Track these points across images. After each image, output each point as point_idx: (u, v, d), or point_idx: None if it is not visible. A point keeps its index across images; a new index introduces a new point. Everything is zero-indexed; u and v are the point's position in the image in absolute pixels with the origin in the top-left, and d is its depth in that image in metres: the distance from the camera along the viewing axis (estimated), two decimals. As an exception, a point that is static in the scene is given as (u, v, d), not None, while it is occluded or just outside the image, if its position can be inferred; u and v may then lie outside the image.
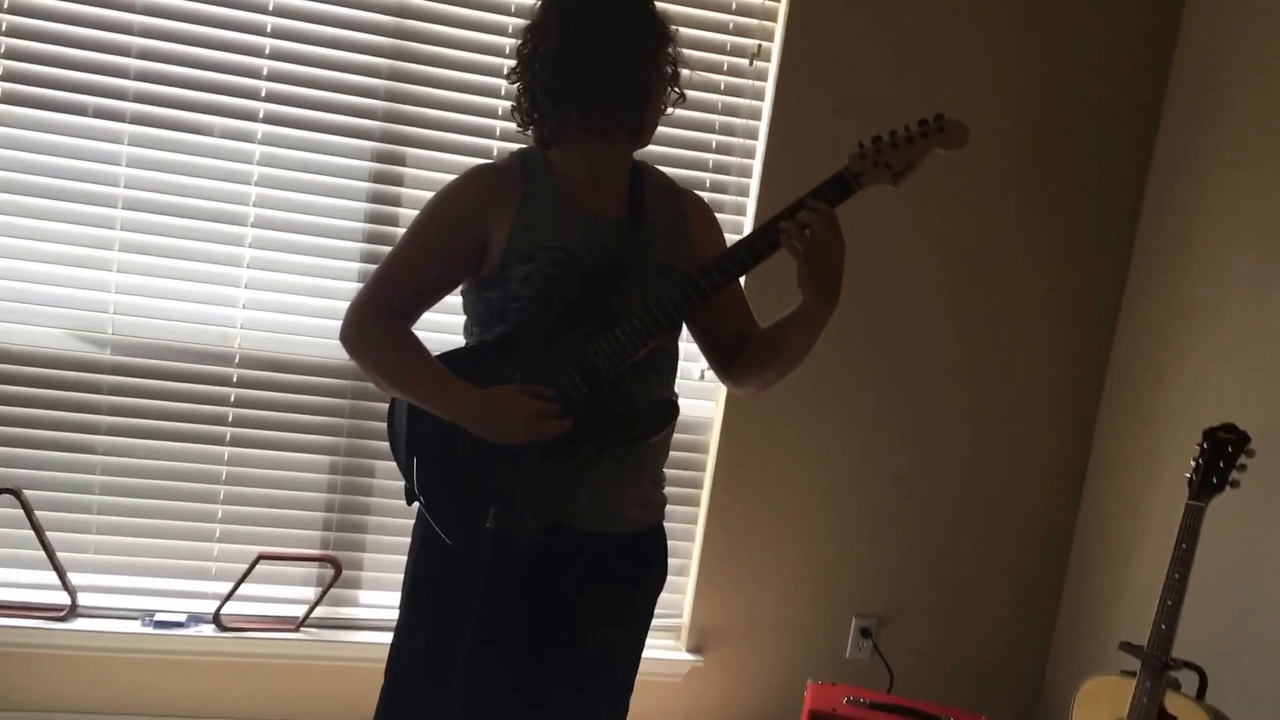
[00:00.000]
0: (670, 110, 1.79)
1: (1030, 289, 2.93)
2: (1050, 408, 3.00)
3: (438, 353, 1.77)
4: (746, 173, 2.77)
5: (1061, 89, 2.86)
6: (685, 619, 2.89)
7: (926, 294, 2.87)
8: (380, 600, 2.73)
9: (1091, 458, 3.03)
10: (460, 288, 1.83)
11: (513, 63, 1.76)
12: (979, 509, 2.99)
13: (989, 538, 3.01)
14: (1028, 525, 3.03)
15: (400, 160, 2.61)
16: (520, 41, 1.74)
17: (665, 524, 1.95)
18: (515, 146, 2.56)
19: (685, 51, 1.79)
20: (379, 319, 1.76)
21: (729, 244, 1.89)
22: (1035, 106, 2.86)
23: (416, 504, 1.84)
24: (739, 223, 2.78)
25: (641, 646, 1.94)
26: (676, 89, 1.77)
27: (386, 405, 2.60)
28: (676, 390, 1.85)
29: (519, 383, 1.69)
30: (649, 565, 1.91)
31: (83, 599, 2.57)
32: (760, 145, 2.75)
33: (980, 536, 3.00)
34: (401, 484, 2.64)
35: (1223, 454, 2.22)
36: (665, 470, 1.93)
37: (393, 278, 1.78)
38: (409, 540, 2.65)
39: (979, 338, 2.92)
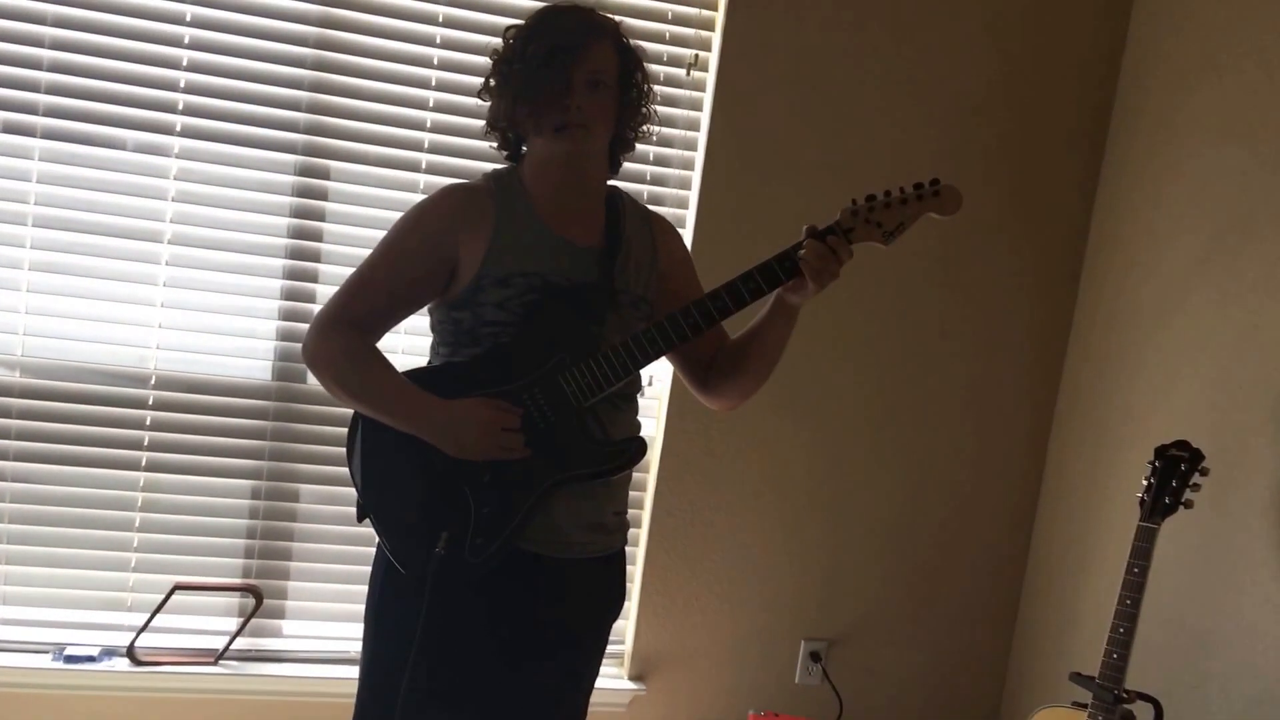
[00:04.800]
0: (647, 130, 1.84)
1: (979, 308, 2.85)
2: (1002, 426, 2.91)
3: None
4: (686, 185, 2.70)
5: (1015, 87, 2.80)
6: (628, 645, 2.78)
7: (874, 312, 2.78)
8: (304, 630, 2.62)
9: (1045, 477, 2.94)
10: (428, 307, 1.82)
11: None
12: (930, 530, 2.89)
13: (941, 560, 2.91)
14: (981, 547, 2.94)
15: (324, 174, 2.53)
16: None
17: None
18: (443, 159, 2.56)
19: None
20: (343, 333, 1.74)
21: (689, 257, 1.94)
22: (985, 109, 2.79)
23: (376, 536, 1.79)
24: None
25: (594, 675, 1.91)
26: (645, 109, 1.81)
27: (314, 427, 2.58)
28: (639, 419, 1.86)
29: (483, 395, 1.68)
30: (597, 591, 1.86)
31: (-10, 632, 2.46)
32: (699, 156, 2.67)
33: (932, 559, 2.91)
34: (327, 508, 2.62)
35: (1175, 473, 2.15)
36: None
37: (360, 293, 1.76)
38: (335, 567, 2.63)
39: (926, 361, 2.83)
